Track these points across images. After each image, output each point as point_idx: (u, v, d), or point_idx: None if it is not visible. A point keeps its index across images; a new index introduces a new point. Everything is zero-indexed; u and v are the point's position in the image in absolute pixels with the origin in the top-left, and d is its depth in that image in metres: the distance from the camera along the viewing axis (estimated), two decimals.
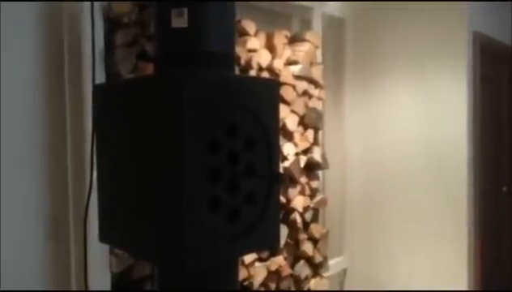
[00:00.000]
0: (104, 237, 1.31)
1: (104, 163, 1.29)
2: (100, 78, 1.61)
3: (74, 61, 1.64)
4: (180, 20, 1.05)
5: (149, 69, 1.73)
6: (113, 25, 1.68)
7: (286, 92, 2.33)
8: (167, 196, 1.06)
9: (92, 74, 1.39)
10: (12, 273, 1.54)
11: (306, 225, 2.48)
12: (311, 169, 2.51)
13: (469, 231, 2.84)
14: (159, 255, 1.13)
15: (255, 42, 2.19)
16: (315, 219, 2.55)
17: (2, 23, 1.51)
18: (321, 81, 2.56)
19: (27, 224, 1.59)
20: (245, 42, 2.14)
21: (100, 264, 1.64)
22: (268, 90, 1.20)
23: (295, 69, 2.40)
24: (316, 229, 2.51)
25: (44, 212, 1.64)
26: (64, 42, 1.65)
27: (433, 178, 2.92)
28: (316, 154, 2.51)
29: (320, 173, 2.61)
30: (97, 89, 1.35)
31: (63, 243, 1.66)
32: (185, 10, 1.04)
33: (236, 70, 1.92)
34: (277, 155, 1.22)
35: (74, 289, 1.66)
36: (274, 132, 1.20)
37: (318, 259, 2.52)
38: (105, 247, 1.64)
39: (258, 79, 1.64)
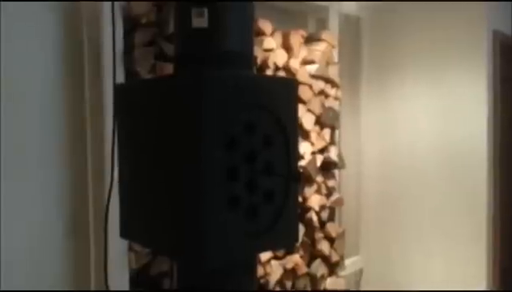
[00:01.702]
0: (124, 233, 1.34)
1: (125, 161, 1.32)
2: (119, 78, 1.64)
3: (94, 61, 1.66)
4: (200, 20, 1.06)
5: (167, 69, 1.76)
6: (131, 25, 1.71)
7: (302, 92, 2.33)
8: (186, 194, 1.08)
9: (113, 74, 1.41)
10: (32, 270, 1.58)
11: (322, 224, 2.48)
12: (327, 168, 2.50)
13: (487, 232, 2.81)
14: (178, 251, 1.15)
15: (272, 42, 2.20)
16: (331, 218, 2.54)
17: (21, 23, 1.54)
18: (337, 80, 2.56)
19: (47, 221, 1.62)
20: (261, 42, 2.14)
21: (119, 260, 1.66)
22: (287, 89, 1.21)
23: (311, 68, 2.40)
24: (332, 228, 2.50)
25: (64, 209, 1.67)
26: (84, 42, 1.68)
27: (451, 179, 2.89)
28: (332, 153, 2.51)
29: (336, 172, 2.61)
30: (118, 89, 1.37)
31: (83, 240, 1.69)
32: (206, 10, 1.06)
33: (254, 68, 1.92)
34: (295, 154, 1.23)
35: (93, 285, 1.69)
36: (292, 131, 1.21)
37: (335, 258, 2.51)
38: (124, 244, 1.66)
39: (276, 79, 1.65)
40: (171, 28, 1.77)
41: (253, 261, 1.28)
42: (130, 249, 1.71)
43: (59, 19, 1.64)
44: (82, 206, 1.69)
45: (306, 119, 2.36)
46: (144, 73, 1.71)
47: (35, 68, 1.59)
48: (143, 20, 1.72)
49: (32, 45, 1.58)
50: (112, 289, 1.58)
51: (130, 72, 1.70)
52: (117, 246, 1.62)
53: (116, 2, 1.56)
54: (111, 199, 1.49)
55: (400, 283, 3.05)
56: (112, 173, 1.47)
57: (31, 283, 1.56)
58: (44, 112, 1.61)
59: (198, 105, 1.03)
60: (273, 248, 1.79)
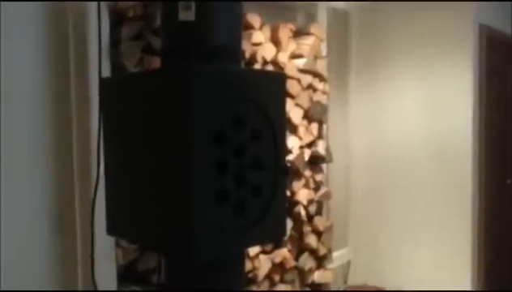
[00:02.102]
0: (111, 229, 1.33)
1: (112, 156, 1.30)
2: (106, 72, 1.62)
3: (80, 55, 1.64)
4: (187, 13, 1.05)
5: (154, 63, 1.74)
6: (118, 19, 1.68)
7: (291, 86, 2.33)
8: (174, 188, 1.07)
9: (99, 68, 1.39)
10: (19, 267, 1.56)
11: (310, 217, 2.49)
12: (315, 162, 2.51)
13: (473, 223, 2.85)
14: (166, 246, 1.15)
15: (260, 36, 2.19)
16: (319, 212, 2.56)
17: (5, 19, 1.51)
18: (325, 74, 2.56)
19: (32, 218, 1.60)
20: (249, 36, 2.13)
21: (106, 256, 1.65)
22: (275, 83, 1.20)
23: (299, 62, 2.40)
24: (320, 222, 2.52)
25: (50, 205, 1.65)
26: (69, 36, 1.65)
27: (438, 171, 2.92)
28: (320, 147, 2.51)
29: (324, 166, 2.62)
30: (104, 83, 1.36)
31: (69, 237, 1.67)
32: (193, 3, 1.05)
33: (242, 62, 1.92)
34: (283, 148, 1.23)
35: (80, 282, 1.67)
36: (280, 125, 1.21)
37: (322, 251, 2.53)
38: (111, 240, 1.65)
39: (264, 73, 1.65)
40: (158, 22, 1.76)
41: (242, 255, 1.28)
42: (117, 245, 1.69)
43: (44, 14, 1.62)
44: (68, 202, 1.67)
45: (294, 113, 2.36)
46: (131, 67, 1.70)
47: (20, 63, 1.56)
48: (130, 14, 1.69)
49: (17, 39, 1.55)
50: (99, 285, 1.57)
51: (116, 66, 1.68)
52: (104, 243, 1.61)
53: None
54: (97, 196, 1.48)
55: (388, 275, 3.09)
56: (98, 169, 1.46)
57: (17, 281, 1.55)
58: (29, 108, 1.59)
59: (186, 100, 1.02)
60: (261, 242, 1.80)
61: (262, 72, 1.72)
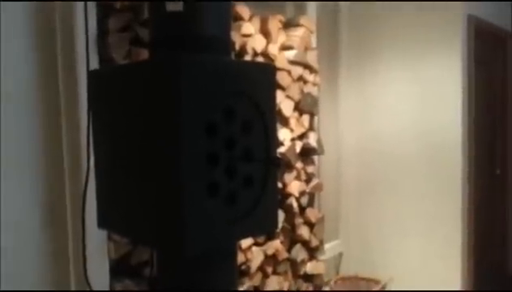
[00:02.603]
0: (102, 223, 1.32)
1: (101, 149, 1.29)
2: (94, 64, 1.60)
3: (68, 47, 1.62)
4: (175, 4, 1.04)
5: (142, 54, 1.72)
6: (105, 10, 1.66)
7: (281, 78, 2.32)
8: (165, 181, 1.06)
9: (87, 60, 1.38)
10: (9, 261, 1.54)
11: (302, 209, 2.50)
12: (307, 154, 2.52)
13: (463, 214, 2.88)
14: (157, 239, 1.14)
15: (250, 27, 2.17)
16: (311, 203, 2.57)
17: None
18: (316, 66, 2.56)
19: (23, 213, 1.59)
20: (239, 27, 2.12)
21: (98, 250, 1.64)
22: (265, 74, 1.19)
23: (290, 54, 2.39)
24: (312, 214, 2.53)
25: (41, 200, 1.63)
26: (56, 29, 1.63)
27: (428, 163, 2.94)
28: (311, 139, 2.52)
29: (316, 158, 2.62)
30: (92, 75, 1.34)
31: (60, 231, 1.66)
32: None
33: (232, 54, 1.91)
34: (274, 139, 1.22)
35: (72, 277, 1.66)
36: (271, 116, 1.20)
37: (314, 242, 2.54)
38: (103, 234, 1.64)
39: (254, 64, 1.64)
40: (146, 14, 1.74)
41: (234, 248, 1.28)
42: (110, 239, 1.69)
43: (31, 7, 1.59)
44: (59, 197, 1.65)
45: (285, 105, 2.36)
46: (119, 59, 1.68)
47: (7, 57, 1.54)
48: (117, 5, 1.67)
49: (3, 32, 1.52)
50: (92, 279, 1.56)
51: (104, 58, 1.66)
52: (96, 237, 1.60)
53: None
54: (88, 190, 1.46)
55: (379, 266, 3.12)
56: (88, 162, 1.45)
57: (7, 277, 1.53)
58: (18, 102, 1.57)
59: (176, 91, 1.01)
60: (253, 234, 1.80)
61: (253, 63, 1.71)
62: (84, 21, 1.46)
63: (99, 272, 1.64)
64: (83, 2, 1.49)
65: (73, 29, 1.59)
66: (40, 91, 1.62)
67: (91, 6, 1.59)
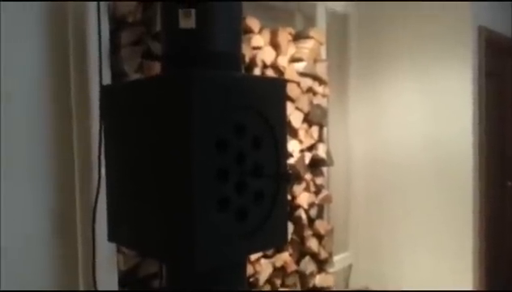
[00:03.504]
0: (112, 236, 1.32)
1: (113, 163, 1.30)
2: (106, 77, 1.61)
3: (80, 60, 1.63)
4: (188, 21, 1.05)
5: (154, 68, 1.73)
6: (117, 24, 1.68)
7: (291, 90, 2.33)
8: (176, 196, 1.07)
9: (99, 74, 1.39)
10: (19, 271, 1.55)
11: (311, 221, 2.48)
12: (316, 165, 2.51)
13: (474, 226, 2.85)
14: (168, 254, 1.14)
15: (259, 40, 2.19)
16: (320, 215, 2.55)
17: (5, 23, 1.51)
18: (325, 78, 2.56)
19: (33, 221, 1.60)
20: (249, 40, 2.13)
21: (107, 261, 1.64)
22: (275, 90, 1.20)
23: (299, 66, 2.40)
24: (321, 226, 2.51)
25: (51, 209, 1.64)
26: (69, 42, 1.65)
27: (438, 174, 2.92)
28: (321, 151, 2.51)
29: (325, 169, 2.62)
30: (105, 90, 1.35)
31: (70, 240, 1.67)
32: (193, 10, 1.05)
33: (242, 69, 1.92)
34: (284, 154, 1.22)
35: (81, 286, 1.67)
36: (281, 132, 1.21)
37: (323, 255, 2.53)
38: (112, 245, 1.65)
39: (265, 79, 1.65)
40: (158, 27, 1.75)
41: (244, 262, 1.28)
42: (119, 251, 1.69)
43: (44, 19, 1.61)
44: (69, 207, 1.66)
45: (294, 117, 2.36)
46: (131, 72, 1.69)
47: (20, 69, 1.56)
48: (130, 19, 1.69)
49: (16, 45, 1.54)
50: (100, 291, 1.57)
51: (117, 72, 1.67)
52: (106, 248, 1.61)
53: (101, 2, 1.53)
54: (98, 201, 1.47)
55: (389, 278, 3.08)
56: (99, 175, 1.45)
57: (17, 284, 1.54)
58: (30, 113, 1.58)
59: (187, 107, 1.02)
60: (262, 249, 1.79)
61: (263, 78, 1.72)
62: (98, 35, 1.48)
63: (107, 284, 1.65)
64: (95, 17, 1.51)
65: (85, 42, 1.61)
66: (52, 100, 1.63)
67: (104, 19, 1.61)
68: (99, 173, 1.45)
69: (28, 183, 1.58)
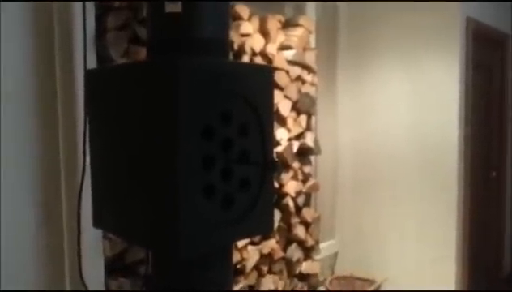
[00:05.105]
0: (98, 222, 1.32)
1: (98, 149, 1.29)
2: (91, 62, 1.59)
3: (65, 45, 1.61)
4: (174, 5, 1.04)
5: (141, 53, 1.72)
6: (103, 9, 1.66)
7: (279, 78, 2.32)
8: (161, 183, 1.06)
9: (84, 59, 1.37)
10: (4, 260, 1.54)
11: (298, 209, 2.50)
12: (304, 154, 2.52)
13: (458, 215, 2.89)
14: (153, 240, 1.14)
15: (248, 27, 2.17)
16: (307, 203, 2.57)
17: None
18: (314, 66, 2.56)
19: (19, 210, 1.58)
20: (238, 27, 2.12)
21: (93, 248, 1.64)
22: (262, 77, 1.20)
23: (288, 54, 2.39)
24: (308, 214, 2.53)
25: (37, 198, 1.63)
26: (54, 27, 1.62)
27: (424, 164, 2.95)
28: (308, 139, 2.52)
29: (312, 158, 2.63)
30: (90, 74, 1.34)
31: (56, 229, 1.66)
32: None
33: (230, 55, 1.90)
34: (271, 142, 1.22)
35: (67, 274, 1.66)
36: (268, 119, 1.20)
37: (310, 242, 2.55)
38: (98, 232, 1.64)
39: (252, 66, 1.64)
40: (144, 12, 1.73)
41: (230, 249, 1.28)
42: (105, 237, 1.68)
43: (28, 5, 1.58)
44: (54, 195, 1.65)
45: (283, 105, 2.36)
46: (117, 57, 1.67)
47: (3, 55, 1.53)
48: (116, 4, 1.67)
49: (1, 32, 1.51)
50: (86, 277, 1.56)
51: (102, 57, 1.65)
52: (92, 235, 1.60)
53: None
54: (84, 188, 1.46)
55: (374, 266, 3.13)
56: (84, 161, 1.44)
57: (2, 273, 1.53)
58: (14, 99, 1.56)
59: (174, 93, 1.01)
60: (248, 236, 1.80)
61: (250, 65, 1.71)
62: (82, 19, 1.45)
63: (94, 271, 1.64)
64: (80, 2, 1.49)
65: (71, 26, 1.58)
66: (37, 90, 1.61)
67: (90, 4, 1.59)
68: (84, 159, 1.44)
69: (13, 172, 1.56)
